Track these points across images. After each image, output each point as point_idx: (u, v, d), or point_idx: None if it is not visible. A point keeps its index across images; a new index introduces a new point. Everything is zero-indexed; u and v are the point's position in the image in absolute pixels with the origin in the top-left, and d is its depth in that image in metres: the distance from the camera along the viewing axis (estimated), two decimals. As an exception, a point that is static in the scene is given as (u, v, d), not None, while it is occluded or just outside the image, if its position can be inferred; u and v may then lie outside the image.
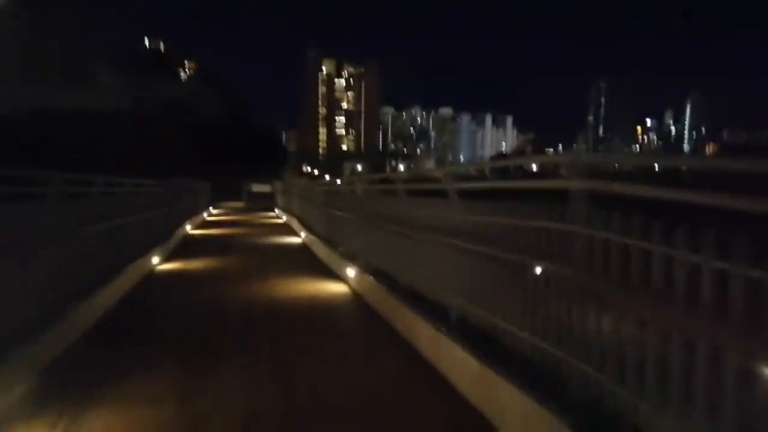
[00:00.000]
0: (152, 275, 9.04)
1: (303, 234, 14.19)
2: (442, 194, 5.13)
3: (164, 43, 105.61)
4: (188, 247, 12.71)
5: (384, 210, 6.94)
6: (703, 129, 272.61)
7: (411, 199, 6.07)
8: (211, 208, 26.83)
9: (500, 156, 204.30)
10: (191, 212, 18.75)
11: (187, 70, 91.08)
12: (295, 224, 17.07)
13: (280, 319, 6.14)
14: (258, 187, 31.84)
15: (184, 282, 8.66)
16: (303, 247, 12.85)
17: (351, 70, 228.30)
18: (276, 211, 25.61)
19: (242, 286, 8.04)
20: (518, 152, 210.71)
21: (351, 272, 7.90)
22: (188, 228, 16.02)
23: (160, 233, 11.48)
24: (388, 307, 6.00)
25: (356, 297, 7.26)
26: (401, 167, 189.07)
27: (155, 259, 9.84)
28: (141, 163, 25.43)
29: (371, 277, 6.90)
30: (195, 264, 10.20)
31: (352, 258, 8.35)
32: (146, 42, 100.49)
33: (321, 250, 10.88)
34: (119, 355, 4.79)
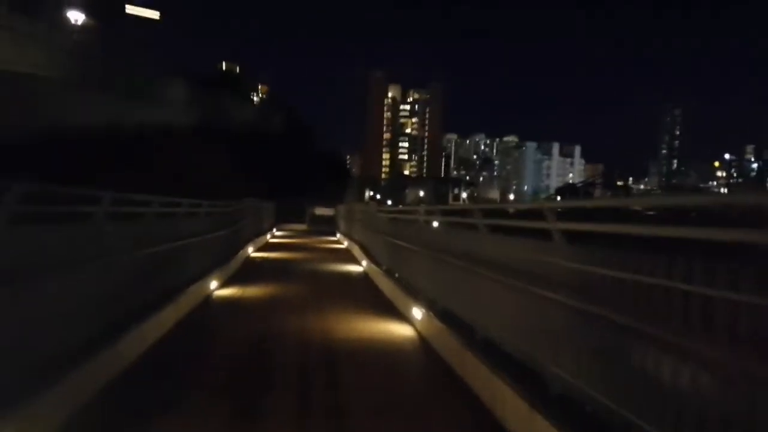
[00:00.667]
0: (208, 302, 8.63)
1: (365, 263, 13.56)
2: (523, 231, 4.35)
3: (239, 67, 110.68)
4: (248, 271, 12.37)
5: (459, 245, 6.14)
6: None
7: (490, 236, 5.27)
8: (274, 229, 26.92)
9: (569, 187, 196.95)
10: (255, 233, 18.66)
11: (259, 93, 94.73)
12: (356, 251, 16.51)
13: (337, 368, 5.41)
14: (321, 210, 31.75)
15: (239, 312, 8.18)
16: (364, 278, 12.19)
17: (416, 95, 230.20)
18: (338, 235, 25.28)
19: (299, 321, 7.43)
20: (589, 184, 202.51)
21: (417, 313, 7.10)
22: (250, 250, 15.83)
23: (221, 255, 11.19)
24: (463, 362, 5.14)
25: (424, 344, 6.43)
26: (464, 195, 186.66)
27: (213, 284, 9.47)
28: (209, 182, 25.96)
29: (440, 322, 6.08)
30: (253, 291, 9.75)
31: (417, 294, 7.58)
32: (222, 65, 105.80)
33: (384, 283, 10.15)
34: (161, 393, 4.21)
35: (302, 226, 31.01)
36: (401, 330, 7.11)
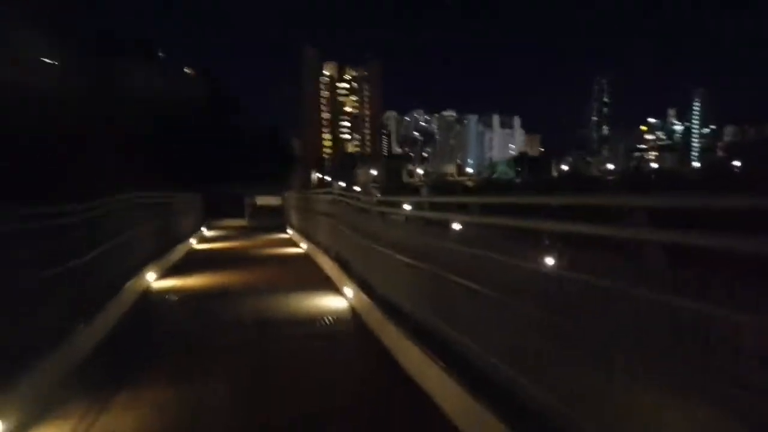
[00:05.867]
0: None
1: (348, 289, 7.86)
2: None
3: (162, 47, 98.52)
4: (137, 333, 6.45)
5: None
6: (708, 128, 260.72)
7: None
8: (203, 229, 20.50)
9: (526, 158, 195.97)
10: (167, 243, 12.45)
11: (184, 71, 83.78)
12: (324, 262, 10.76)
13: None
14: (264, 200, 25.45)
15: None
16: (360, 330, 6.46)
17: (353, 73, 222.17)
18: (289, 231, 19.25)
19: None
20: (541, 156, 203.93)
21: None
22: (153, 278, 9.66)
23: (75, 317, 5.22)
24: None
25: None
26: (420, 171, 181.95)
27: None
28: (99, 170, 19.28)
29: None
30: (132, 408, 3.86)
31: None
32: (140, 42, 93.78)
33: (426, 370, 4.46)
34: None
35: (241, 222, 24.65)
36: None
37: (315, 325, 6.85)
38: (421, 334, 4.85)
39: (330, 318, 7.13)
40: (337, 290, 8.60)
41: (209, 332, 6.58)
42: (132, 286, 8.13)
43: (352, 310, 7.40)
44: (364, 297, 6.92)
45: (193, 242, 16.43)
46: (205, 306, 8.12)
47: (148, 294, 8.85)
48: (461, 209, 5.18)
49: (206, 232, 20.73)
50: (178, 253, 13.16)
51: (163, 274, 10.49)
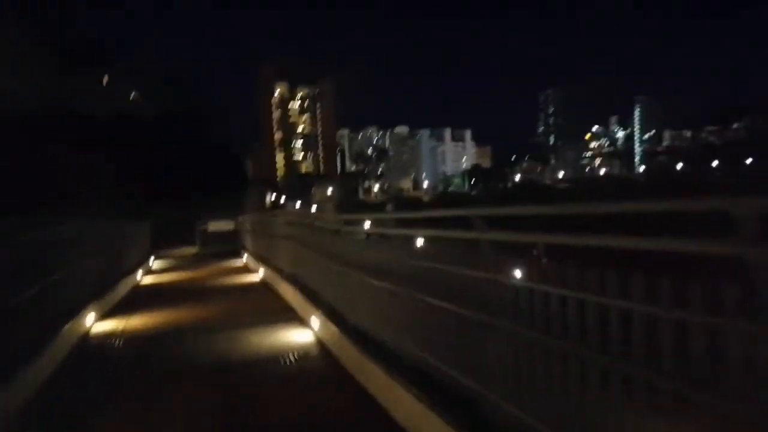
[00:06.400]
0: None
1: (314, 319, 7.21)
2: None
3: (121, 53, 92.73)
4: (73, 388, 5.56)
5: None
6: (648, 134, 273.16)
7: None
8: (151, 260, 19.20)
9: (479, 170, 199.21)
10: (107, 280, 11.39)
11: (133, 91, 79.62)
12: (284, 289, 10.03)
13: None
14: (216, 225, 24.23)
15: None
16: (331, 366, 5.81)
17: (305, 92, 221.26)
18: (244, 257, 18.30)
19: None
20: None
21: None
22: (88, 321, 8.65)
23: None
24: None
25: None
26: (375, 188, 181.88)
27: None
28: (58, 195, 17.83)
29: None
30: None
31: None
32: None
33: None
34: None
35: (192, 250, 23.39)
36: None
37: (281, 364, 6.16)
38: (404, 370, 4.31)
39: (297, 354, 6.45)
40: (302, 321, 7.91)
41: (158, 381, 5.77)
42: (69, 330, 7.19)
43: (320, 343, 6.75)
44: (333, 327, 6.31)
45: (139, 275, 15.28)
46: (155, 349, 7.26)
47: (87, 339, 7.90)
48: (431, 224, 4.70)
49: (155, 262, 19.46)
50: (123, 287, 12.09)
51: (107, 314, 9.49)
